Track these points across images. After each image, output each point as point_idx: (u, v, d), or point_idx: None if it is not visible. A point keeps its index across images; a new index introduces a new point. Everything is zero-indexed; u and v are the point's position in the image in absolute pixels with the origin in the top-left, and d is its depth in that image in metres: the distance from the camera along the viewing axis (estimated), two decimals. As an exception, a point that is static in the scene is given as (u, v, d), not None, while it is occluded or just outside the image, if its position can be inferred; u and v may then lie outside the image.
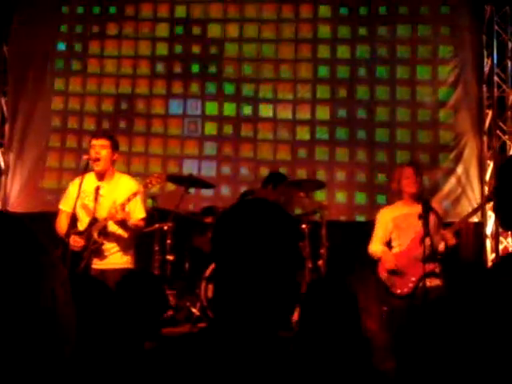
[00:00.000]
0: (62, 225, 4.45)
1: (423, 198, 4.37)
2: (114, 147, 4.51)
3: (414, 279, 4.34)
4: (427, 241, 4.26)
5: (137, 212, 4.46)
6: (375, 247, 4.62)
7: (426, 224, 4.16)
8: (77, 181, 4.57)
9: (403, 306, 4.40)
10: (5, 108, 7.01)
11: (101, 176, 4.46)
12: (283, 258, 1.22)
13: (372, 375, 1.21)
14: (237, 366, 1.11)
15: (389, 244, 4.64)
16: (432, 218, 4.34)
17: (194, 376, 1.11)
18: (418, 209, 4.29)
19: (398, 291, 4.42)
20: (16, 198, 6.90)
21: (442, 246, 4.42)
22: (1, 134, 7.00)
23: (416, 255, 4.30)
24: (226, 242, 1.24)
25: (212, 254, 1.28)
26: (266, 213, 1.26)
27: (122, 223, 4.38)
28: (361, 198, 6.62)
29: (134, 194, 4.36)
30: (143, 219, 4.53)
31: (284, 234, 1.23)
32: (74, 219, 4.47)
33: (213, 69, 6.94)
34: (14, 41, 7.02)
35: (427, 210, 4.22)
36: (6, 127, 6.99)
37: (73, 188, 4.56)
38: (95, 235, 4.34)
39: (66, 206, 4.54)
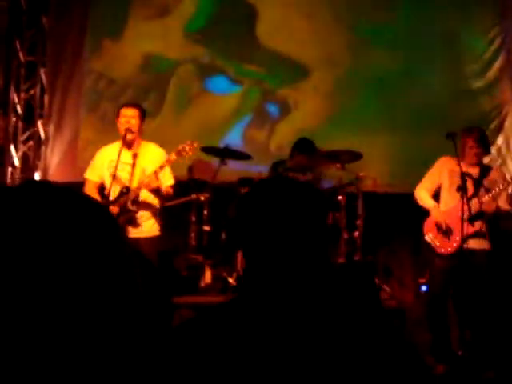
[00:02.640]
0: (91, 195, 4.41)
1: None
2: (143, 117, 4.56)
3: (458, 239, 4.31)
4: (474, 202, 4.28)
5: (166, 179, 4.48)
6: (423, 193, 4.55)
7: (467, 194, 4.25)
8: (103, 150, 4.61)
9: (446, 266, 4.40)
10: (44, 79, 7.09)
11: (129, 145, 4.49)
12: (310, 231, 1.24)
13: (403, 348, 1.22)
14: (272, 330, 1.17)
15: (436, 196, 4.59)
16: (489, 179, 4.40)
17: (235, 343, 1.16)
18: (475, 171, 4.39)
19: (442, 250, 4.41)
20: (55, 168, 7.02)
21: (492, 207, 4.35)
22: (41, 105, 7.09)
23: (462, 215, 4.24)
24: (252, 221, 1.25)
25: (238, 234, 1.28)
26: (289, 188, 1.27)
27: (156, 191, 4.43)
28: (398, 169, 6.54)
29: (168, 161, 4.39)
30: (172, 186, 4.55)
31: (308, 208, 1.25)
32: (101, 189, 4.53)
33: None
34: (51, 11, 7.05)
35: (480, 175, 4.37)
36: (46, 98, 7.07)
37: (99, 157, 4.59)
38: (129, 204, 4.37)
39: (93, 175, 4.57)
